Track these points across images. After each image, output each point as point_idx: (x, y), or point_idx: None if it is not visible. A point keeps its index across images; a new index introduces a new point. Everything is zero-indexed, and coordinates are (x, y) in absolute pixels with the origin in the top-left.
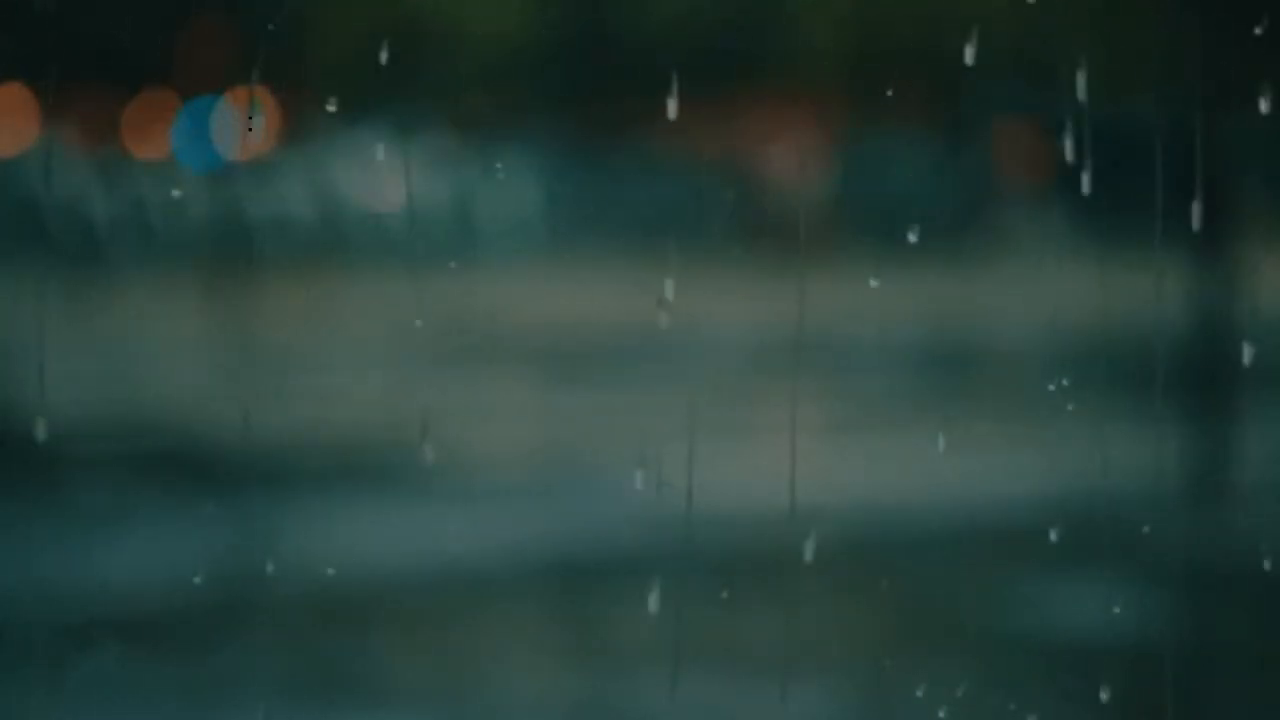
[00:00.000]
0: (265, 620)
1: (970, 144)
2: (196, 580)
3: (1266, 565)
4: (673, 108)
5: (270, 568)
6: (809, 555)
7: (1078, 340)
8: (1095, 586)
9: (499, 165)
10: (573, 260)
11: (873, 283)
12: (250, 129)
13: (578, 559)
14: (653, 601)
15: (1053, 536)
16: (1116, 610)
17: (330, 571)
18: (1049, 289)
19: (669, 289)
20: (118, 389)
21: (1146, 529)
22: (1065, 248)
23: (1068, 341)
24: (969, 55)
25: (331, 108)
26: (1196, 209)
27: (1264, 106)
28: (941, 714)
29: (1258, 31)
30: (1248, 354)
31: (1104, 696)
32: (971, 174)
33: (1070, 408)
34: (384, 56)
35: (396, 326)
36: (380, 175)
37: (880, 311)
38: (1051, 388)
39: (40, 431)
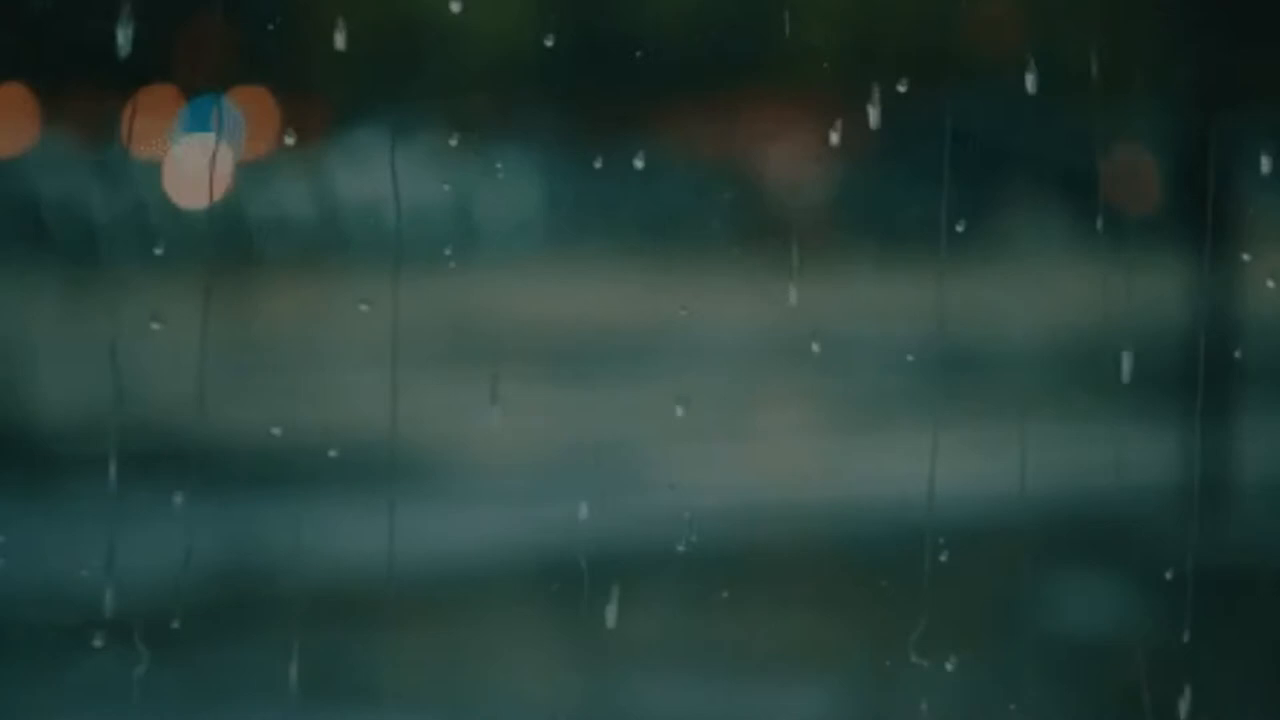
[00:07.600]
0: (265, 620)
1: (971, 143)
2: (196, 580)
3: (1266, 564)
4: (673, 108)
5: (270, 567)
6: (809, 556)
7: (1078, 341)
8: (1096, 586)
9: (499, 165)
10: (573, 260)
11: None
12: (248, 129)
13: (578, 559)
14: (653, 601)
15: (1054, 537)
16: (1116, 610)
17: (330, 571)
18: (1050, 289)
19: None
20: (117, 388)
21: (1146, 529)
22: (1067, 247)
23: (1068, 342)
24: (970, 55)
25: (332, 108)
26: (1198, 208)
27: (1263, 106)
28: (941, 713)
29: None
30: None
31: (1103, 696)
32: (972, 173)
33: (1071, 408)
34: (384, 56)
35: (396, 326)
36: (380, 175)
37: (881, 312)
38: (1053, 388)
39: (39, 431)
